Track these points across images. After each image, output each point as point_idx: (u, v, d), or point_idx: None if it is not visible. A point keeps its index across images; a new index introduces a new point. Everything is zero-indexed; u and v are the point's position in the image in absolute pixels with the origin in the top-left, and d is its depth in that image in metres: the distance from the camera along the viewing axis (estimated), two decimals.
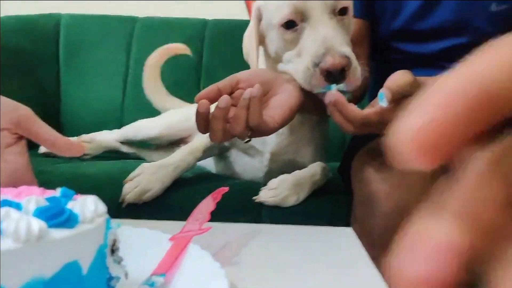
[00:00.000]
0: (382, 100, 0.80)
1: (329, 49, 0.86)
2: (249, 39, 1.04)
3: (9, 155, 0.55)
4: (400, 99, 0.82)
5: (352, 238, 0.72)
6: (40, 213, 0.35)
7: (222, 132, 0.78)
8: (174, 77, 1.83)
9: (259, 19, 1.01)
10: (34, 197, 0.36)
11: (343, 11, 0.94)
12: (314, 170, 1.08)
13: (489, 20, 1.08)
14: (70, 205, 0.38)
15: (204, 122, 0.78)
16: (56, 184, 1.11)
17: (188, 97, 1.77)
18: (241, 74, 0.84)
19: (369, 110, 0.83)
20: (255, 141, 1.11)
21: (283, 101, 0.85)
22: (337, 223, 0.85)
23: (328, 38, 0.88)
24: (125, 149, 1.56)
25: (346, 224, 0.94)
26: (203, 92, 0.79)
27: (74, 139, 1.52)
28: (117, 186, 1.07)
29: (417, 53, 1.15)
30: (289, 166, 1.11)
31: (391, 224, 0.92)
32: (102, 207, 0.40)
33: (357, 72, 0.88)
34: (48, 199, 0.38)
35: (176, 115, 1.56)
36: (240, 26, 1.84)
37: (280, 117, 0.83)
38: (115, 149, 1.55)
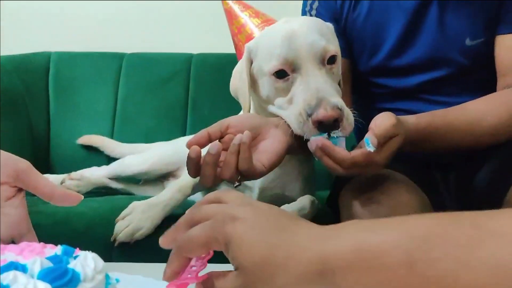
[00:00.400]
0: (369, 146, 0.84)
1: (321, 100, 0.88)
2: (239, 78, 1.06)
3: (8, 207, 0.57)
4: (384, 142, 0.87)
5: None
6: (45, 275, 0.37)
7: (213, 177, 0.80)
8: (161, 110, 1.86)
9: (250, 61, 1.03)
10: (38, 258, 0.38)
11: (331, 60, 0.97)
12: (302, 204, 1.10)
13: (464, 54, 1.12)
14: (72, 264, 0.40)
15: (195, 167, 0.80)
16: (46, 225, 1.12)
17: (175, 131, 1.80)
18: (231, 119, 0.86)
19: (357, 152, 0.86)
20: None
21: (271, 145, 0.87)
22: None
23: (319, 89, 0.90)
24: (114, 184, 1.58)
25: None
26: (194, 138, 0.81)
27: (63, 176, 1.53)
28: (109, 224, 1.09)
29: (397, 87, 1.18)
30: (278, 201, 1.12)
31: None
32: (101, 264, 0.42)
33: (350, 120, 0.90)
34: (50, 259, 0.40)
35: (162, 150, 1.59)
36: (225, 60, 1.90)
37: (268, 162, 0.85)
38: (104, 185, 1.57)
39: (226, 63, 1.89)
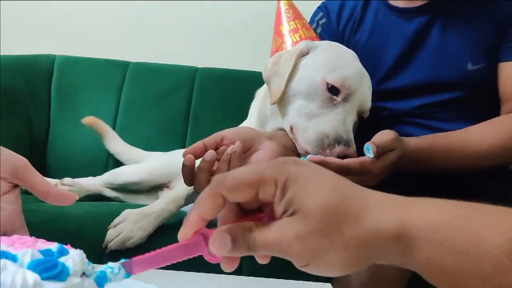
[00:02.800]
0: (369, 152, 0.89)
1: (350, 140, 0.96)
2: (282, 62, 1.06)
3: (3, 203, 0.58)
4: (382, 153, 0.91)
5: None
6: (35, 266, 0.37)
7: (207, 183, 0.80)
8: (163, 123, 1.86)
9: (303, 54, 1.05)
10: (29, 250, 0.38)
11: (362, 119, 1.05)
12: None
13: (466, 78, 1.14)
14: (63, 259, 0.40)
15: (189, 175, 0.84)
16: (38, 224, 1.11)
17: (175, 143, 1.80)
18: (226, 132, 0.90)
19: (351, 160, 0.92)
20: None
21: (262, 156, 0.91)
22: (320, 278, 0.85)
23: (350, 131, 0.98)
24: (107, 192, 1.57)
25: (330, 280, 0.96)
26: (190, 148, 0.85)
27: (56, 181, 1.52)
28: (101, 228, 1.08)
29: (395, 110, 1.20)
30: None
31: (371, 278, 0.95)
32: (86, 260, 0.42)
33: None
34: (42, 252, 0.40)
35: (156, 162, 1.59)
36: (229, 75, 1.91)
37: None
38: (98, 192, 1.56)
39: (230, 79, 1.92)
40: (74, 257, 0.40)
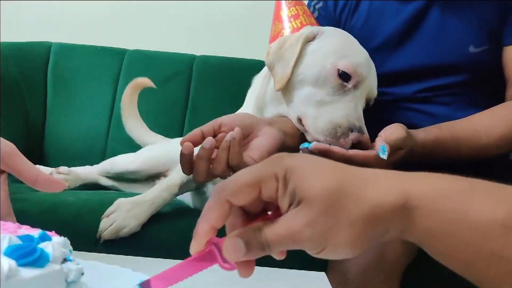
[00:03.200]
0: (384, 153, 0.88)
1: (362, 127, 0.94)
2: (287, 48, 1.02)
3: None
4: (391, 152, 0.90)
5: (324, 283, 0.73)
6: (11, 252, 0.35)
7: (206, 172, 0.82)
8: (160, 111, 1.84)
9: (309, 40, 1.03)
10: (8, 235, 0.37)
11: (367, 106, 1.03)
12: None
13: (468, 61, 1.12)
14: (42, 245, 0.38)
15: (188, 164, 0.82)
16: (33, 213, 1.10)
17: (173, 131, 1.79)
18: (224, 118, 0.88)
19: (355, 152, 0.90)
20: None
21: (262, 143, 0.89)
22: (315, 266, 0.84)
23: (361, 118, 0.96)
24: (104, 181, 1.56)
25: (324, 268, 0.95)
26: (188, 136, 0.84)
27: (51, 169, 1.50)
28: (97, 216, 1.07)
29: (396, 94, 1.18)
30: None
31: (367, 267, 0.94)
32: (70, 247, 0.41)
33: None
34: (21, 238, 0.38)
35: (153, 151, 1.57)
36: (227, 63, 1.90)
37: (259, 158, 0.86)
38: (94, 181, 1.55)
39: (228, 67, 1.90)
40: (54, 244, 0.39)
